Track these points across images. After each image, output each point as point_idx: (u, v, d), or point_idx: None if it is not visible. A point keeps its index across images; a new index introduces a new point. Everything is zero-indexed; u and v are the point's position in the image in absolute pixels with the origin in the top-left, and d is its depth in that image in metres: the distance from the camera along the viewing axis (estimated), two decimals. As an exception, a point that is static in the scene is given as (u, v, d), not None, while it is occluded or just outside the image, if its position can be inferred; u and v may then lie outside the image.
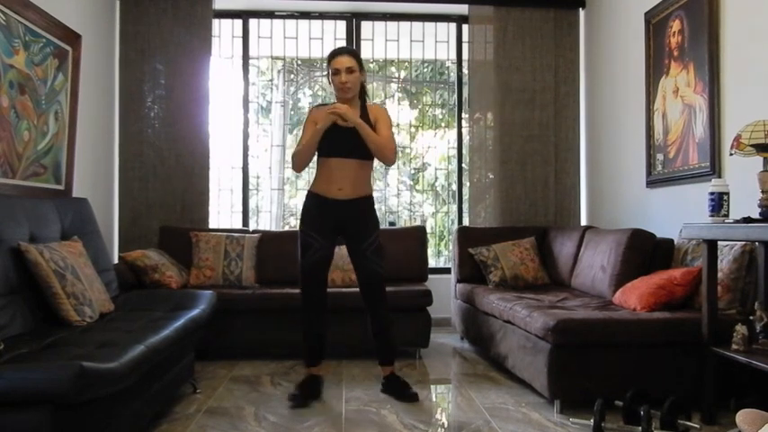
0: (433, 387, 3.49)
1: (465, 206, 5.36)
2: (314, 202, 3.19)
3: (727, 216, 2.71)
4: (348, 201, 3.14)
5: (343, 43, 5.29)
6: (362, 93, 3.26)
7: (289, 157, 6.14)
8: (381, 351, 3.26)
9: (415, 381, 3.47)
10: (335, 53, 3.21)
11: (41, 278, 2.64)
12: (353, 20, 5.28)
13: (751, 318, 2.65)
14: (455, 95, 5.46)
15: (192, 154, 4.83)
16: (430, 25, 5.35)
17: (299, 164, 3.19)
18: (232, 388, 3.31)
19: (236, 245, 4.34)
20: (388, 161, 3.18)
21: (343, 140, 3.09)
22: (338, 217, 3.15)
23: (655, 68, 4.01)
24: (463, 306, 4.39)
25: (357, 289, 4.06)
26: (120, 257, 4.25)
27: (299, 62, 6.16)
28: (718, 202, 2.71)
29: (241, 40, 5.21)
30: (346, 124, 3.06)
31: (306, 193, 3.28)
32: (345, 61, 3.14)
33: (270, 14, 5.22)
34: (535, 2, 5.10)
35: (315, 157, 3.21)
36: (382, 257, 3.21)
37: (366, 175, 3.22)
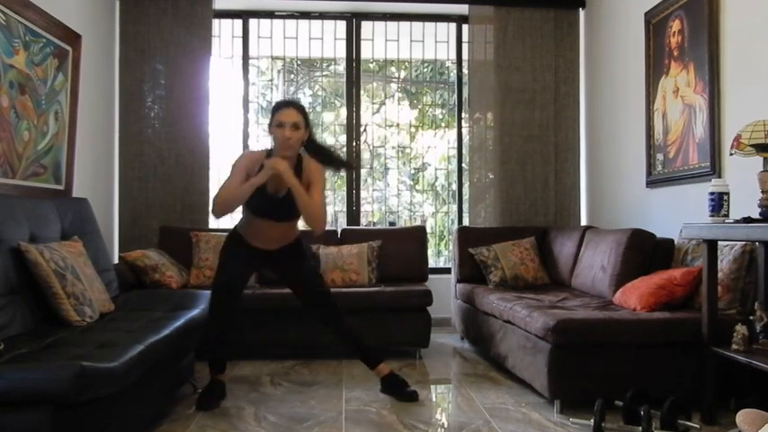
0: (432, 387, 3.48)
1: (465, 206, 5.36)
2: (238, 241, 3.11)
3: (727, 216, 2.71)
4: (273, 250, 3.10)
5: (342, 44, 5.29)
6: (306, 148, 3.09)
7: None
8: (366, 356, 3.22)
9: (414, 381, 3.47)
10: (282, 105, 3.02)
11: (41, 278, 2.64)
12: (353, 20, 5.28)
13: (751, 318, 2.65)
14: (455, 95, 5.46)
15: (191, 154, 4.83)
16: (430, 25, 5.35)
17: (220, 211, 2.95)
18: (232, 388, 3.31)
19: (236, 245, 4.33)
20: (316, 228, 2.99)
21: (274, 204, 3.00)
22: (263, 261, 3.15)
23: (655, 68, 4.01)
24: (463, 306, 4.39)
25: (358, 289, 4.08)
26: (120, 257, 4.25)
27: (299, 62, 6.15)
28: (718, 202, 2.71)
29: (241, 40, 5.21)
30: (279, 189, 2.96)
31: (230, 229, 3.22)
32: (292, 116, 2.94)
33: (270, 14, 5.22)
34: (535, 2, 5.10)
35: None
36: (319, 275, 3.25)
37: (293, 229, 3.15)
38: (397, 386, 3.16)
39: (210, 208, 3.09)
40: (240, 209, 3.07)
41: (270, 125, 3.01)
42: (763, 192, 2.58)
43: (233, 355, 3.26)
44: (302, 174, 3.01)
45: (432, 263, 5.24)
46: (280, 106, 3.01)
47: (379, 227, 5.49)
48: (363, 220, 5.46)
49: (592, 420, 2.52)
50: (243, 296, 3.20)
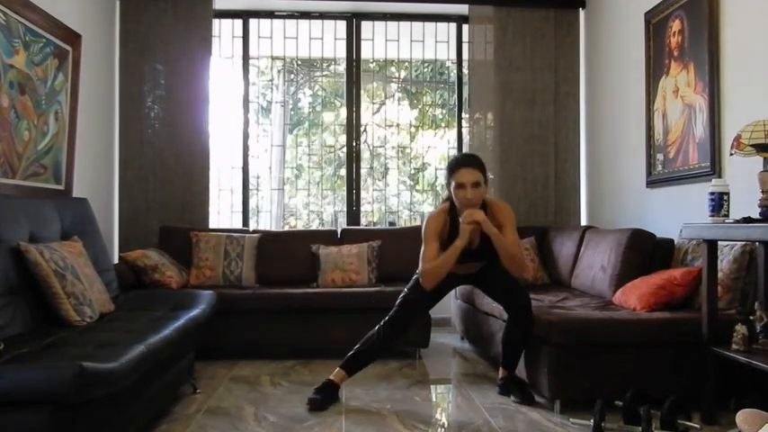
0: (432, 387, 3.49)
1: (465, 206, 5.36)
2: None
3: (727, 216, 2.70)
4: (473, 274, 3.22)
5: (343, 44, 5.29)
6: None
7: (289, 157, 6.14)
8: (515, 356, 3.19)
9: (414, 381, 3.48)
10: (461, 163, 2.99)
11: (41, 278, 2.64)
12: (353, 20, 5.27)
13: (751, 318, 2.65)
14: (455, 95, 5.46)
15: (191, 154, 4.83)
16: (430, 25, 5.35)
17: (432, 282, 3.00)
18: (232, 388, 3.31)
19: (236, 245, 4.34)
20: (519, 272, 3.07)
21: (470, 255, 3.04)
22: (464, 281, 3.31)
23: (655, 68, 4.01)
24: (463, 306, 4.39)
25: (357, 289, 4.08)
26: (120, 257, 4.25)
27: (299, 62, 6.16)
28: (718, 202, 2.71)
29: (241, 40, 5.21)
30: (473, 242, 2.99)
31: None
32: (472, 177, 2.93)
33: (270, 14, 5.22)
34: (535, 2, 5.10)
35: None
36: (520, 285, 3.20)
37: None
38: (517, 387, 3.09)
39: (420, 281, 3.06)
40: None
41: (448, 184, 3.02)
42: (763, 192, 2.58)
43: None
44: (489, 217, 3.01)
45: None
46: (458, 165, 2.99)
47: (378, 227, 5.49)
48: (363, 220, 5.47)
49: (592, 420, 2.52)
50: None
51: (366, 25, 5.31)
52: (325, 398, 3.00)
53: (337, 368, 3.13)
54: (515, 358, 3.18)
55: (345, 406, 3.02)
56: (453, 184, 2.97)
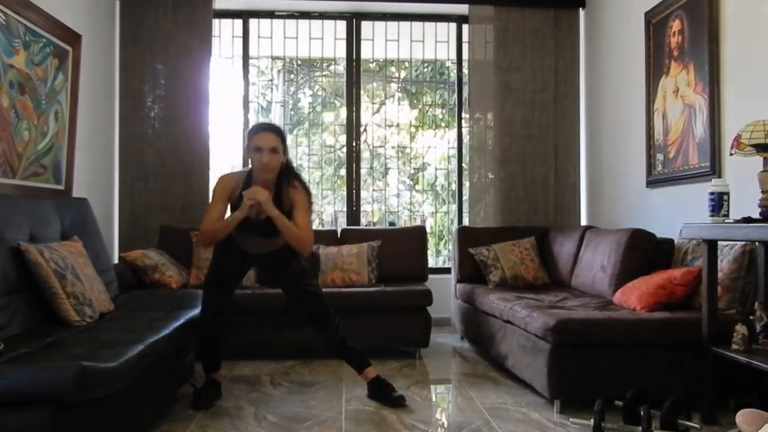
0: (432, 387, 3.49)
1: (465, 206, 5.36)
2: (230, 241, 3.04)
3: (727, 216, 2.71)
4: (264, 254, 3.11)
5: (343, 44, 5.30)
6: (282, 172, 3.02)
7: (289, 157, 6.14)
8: (352, 359, 3.16)
9: (414, 381, 3.48)
10: (259, 128, 2.99)
11: (41, 278, 2.64)
12: (353, 20, 5.28)
13: (751, 318, 2.65)
14: (455, 95, 5.46)
15: (191, 154, 4.83)
16: (430, 25, 5.35)
17: (206, 244, 3.09)
18: (232, 388, 3.31)
19: (236, 245, 4.33)
20: (303, 252, 3.01)
21: (258, 225, 2.96)
22: (254, 260, 3.18)
23: (655, 68, 4.01)
24: (463, 306, 4.39)
25: (357, 289, 4.07)
26: (120, 257, 4.25)
27: (299, 62, 6.15)
28: (718, 202, 2.71)
29: (241, 40, 5.21)
30: (261, 213, 2.91)
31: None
32: (269, 140, 2.91)
33: (270, 14, 5.22)
34: (535, 2, 5.10)
35: None
36: (311, 275, 3.19)
37: (281, 238, 2.99)
38: (383, 390, 3.08)
39: (195, 240, 3.10)
40: None
41: (248, 149, 3.00)
42: (763, 192, 2.58)
43: (223, 354, 3.21)
44: (283, 197, 3.00)
45: (432, 263, 5.24)
46: (257, 130, 2.98)
47: (378, 227, 5.49)
48: (363, 220, 5.46)
49: (592, 420, 2.52)
50: (234, 295, 3.19)
51: (366, 25, 5.31)
52: (209, 395, 3.05)
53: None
54: (353, 353, 3.16)
55: (345, 406, 3.02)
56: (252, 147, 2.94)
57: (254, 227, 2.98)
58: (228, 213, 3.01)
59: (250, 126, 5.20)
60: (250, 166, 3.05)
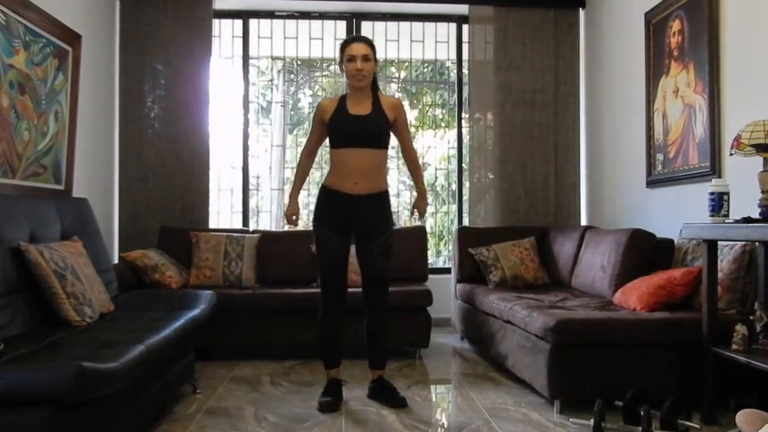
0: (432, 387, 3.49)
1: (465, 206, 5.36)
2: (327, 197, 3.07)
3: (727, 216, 2.70)
4: (363, 196, 3.02)
5: (340, 43, 5.28)
6: (374, 84, 3.15)
7: (289, 157, 6.15)
8: (374, 353, 3.16)
9: (414, 381, 3.48)
10: (351, 40, 3.11)
11: (41, 278, 2.64)
12: (353, 20, 5.27)
13: (751, 318, 2.65)
14: (455, 95, 5.46)
15: (191, 154, 4.83)
16: (430, 25, 5.35)
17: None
18: (232, 388, 3.31)
19: (236, 245, 4.34)
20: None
21: (358, 129, 3.01)
22: (352, 214, 3.03)
23: (655, 68, 4.01)
24: (463, 306, 4.39)
25: (357, 289, 4.05)
26: (120, 257, 4.25)
27: (299, 62, 6.15)
28: (718, 202, 2.71)
29: (241, 40, 5.21)
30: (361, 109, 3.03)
31: (319, 187, 3.17)
32: (361, 48, 3.02)
33: (270, 14, 5.22)
34: (535, 2, 5.10)
35: (327, 150, 3.17)
36: (390, 258, 3.11)
37: (382, 167, 3.11)
38: (387, 392, 3.08)
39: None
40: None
41: (341, 62, 3.09)
42: (763, 192, 2.58)
43: (341, 350, 3.18)
44: (383, 112, 3.07)
45: (432, 263, 5.24)
46: (349, 42, 3.09)
47: (379, 227, 5.48)
48: (363, 220, 5.45)
49: (592, 420, 2.52)
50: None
51: (366, 25, 5.31)
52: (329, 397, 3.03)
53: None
54: (380, 353, 3.16)
55: (345, 406, 3.02)
56: (345, 58, 3.04)
57: (355, 132, 3.02)
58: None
59: (249, 124, 5.21)
60: (344, 77, 3.12)
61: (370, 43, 3.08)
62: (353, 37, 3.18)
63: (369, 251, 3.06)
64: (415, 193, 3.40)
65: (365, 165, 3.02)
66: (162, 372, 2.67)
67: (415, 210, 3.32)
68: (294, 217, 3.20)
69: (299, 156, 3.32)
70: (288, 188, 6.25)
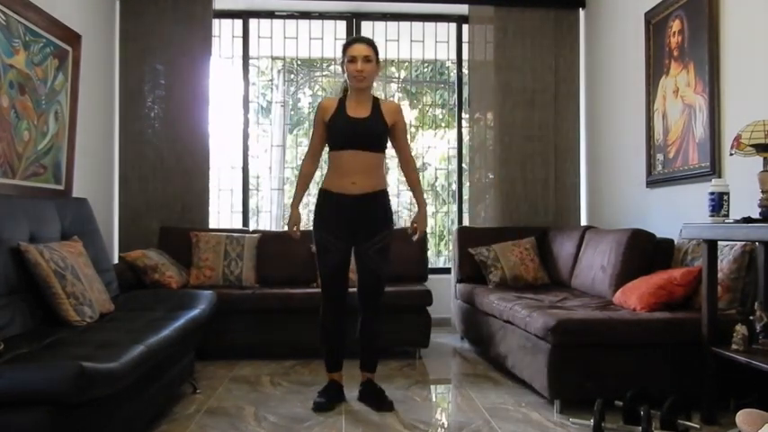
0: (432, 387, 3.49)
1: (465, 206, 5.36)
2: (326, 199, 3.07)
3: (727, 216, 2.70)
4: (361, 196, 3.01)
5: (342, 44, 5.28)
6: None
7: (289, 157, 6.14)
8: (365, 355, 3.13)
9: (414, 381, 3.48)
10: (353, 40, 3.11)
11: (41, 278, 2.64)
12: (353, 20, 5.27)
13: (751, 318, 2.65)
14: (455, 95, 5.46)
15: (191, 154, 4.82)
16: (430, 25, 5.35)
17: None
18: (232, 388, 3.31)
19: (236, 245, 4.34)
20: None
21: (355, 132, 3.01)
22: (351, 215, 3.01)
23: (655, 68, 4.01)
24: (463, 306, 4.39)
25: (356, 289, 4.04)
26: (120, 257, 4.25)
27: (299, 62, 6.15)
28: (718, 202, 2.71)
29: (241, 40, 5.21)
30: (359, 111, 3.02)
31: (318, 190, 3.16)
32: (363, 49, 3.01)
33: (270, 14, 5.22)
34: (535, 2, 5.09)
35: (326, 150, 3.16)
36: (387, 258, 3.09)
37: (380, 168, 3.10)
38: (375, 396, 3.05)
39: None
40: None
41: (342, 63, 3.08)
42: (763, 192, 2.58)
43: (344, 352, 3.15)
44: (382, 116, 3.05)
45: (432, 263, 5.23)
46: (351, 42, 3.09)
47: (379, 227, 5.48)
48: (363, 220, 5.45)
49: (592, 420, 2.52)
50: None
51: (366, 25, 5.31)
52: (326, 398, 3.02)
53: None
54: (371, 355, 3.13)
55: (345, 406, 3.02)
56: (346, 59, 3.03)
57: (353, 134, 3.01)
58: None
59: (249, 124, 5.21)
60: (345, 77, 3.10)
61: (372, 44, 3.07)
62: (355, 38, 3.18)
63: (364, 249, 3.05)
64: (416, 209, 3.30)
65: (363, 166, 3.02)
66: (162, 372, 2.67)
67: (414, 226, 3.23)
68: (295, 228, 3.15)
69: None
70: (288, 188, 6.28)
